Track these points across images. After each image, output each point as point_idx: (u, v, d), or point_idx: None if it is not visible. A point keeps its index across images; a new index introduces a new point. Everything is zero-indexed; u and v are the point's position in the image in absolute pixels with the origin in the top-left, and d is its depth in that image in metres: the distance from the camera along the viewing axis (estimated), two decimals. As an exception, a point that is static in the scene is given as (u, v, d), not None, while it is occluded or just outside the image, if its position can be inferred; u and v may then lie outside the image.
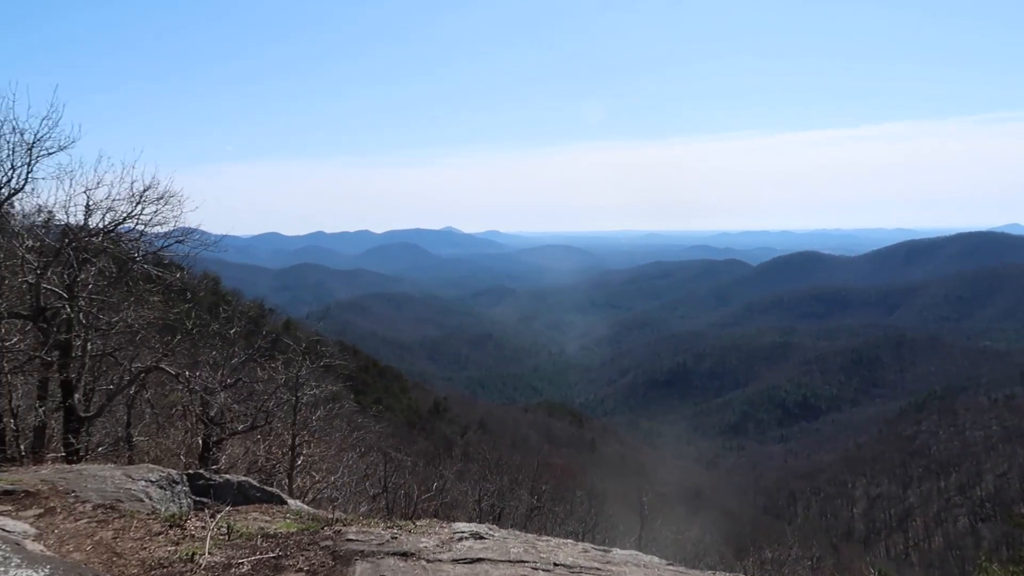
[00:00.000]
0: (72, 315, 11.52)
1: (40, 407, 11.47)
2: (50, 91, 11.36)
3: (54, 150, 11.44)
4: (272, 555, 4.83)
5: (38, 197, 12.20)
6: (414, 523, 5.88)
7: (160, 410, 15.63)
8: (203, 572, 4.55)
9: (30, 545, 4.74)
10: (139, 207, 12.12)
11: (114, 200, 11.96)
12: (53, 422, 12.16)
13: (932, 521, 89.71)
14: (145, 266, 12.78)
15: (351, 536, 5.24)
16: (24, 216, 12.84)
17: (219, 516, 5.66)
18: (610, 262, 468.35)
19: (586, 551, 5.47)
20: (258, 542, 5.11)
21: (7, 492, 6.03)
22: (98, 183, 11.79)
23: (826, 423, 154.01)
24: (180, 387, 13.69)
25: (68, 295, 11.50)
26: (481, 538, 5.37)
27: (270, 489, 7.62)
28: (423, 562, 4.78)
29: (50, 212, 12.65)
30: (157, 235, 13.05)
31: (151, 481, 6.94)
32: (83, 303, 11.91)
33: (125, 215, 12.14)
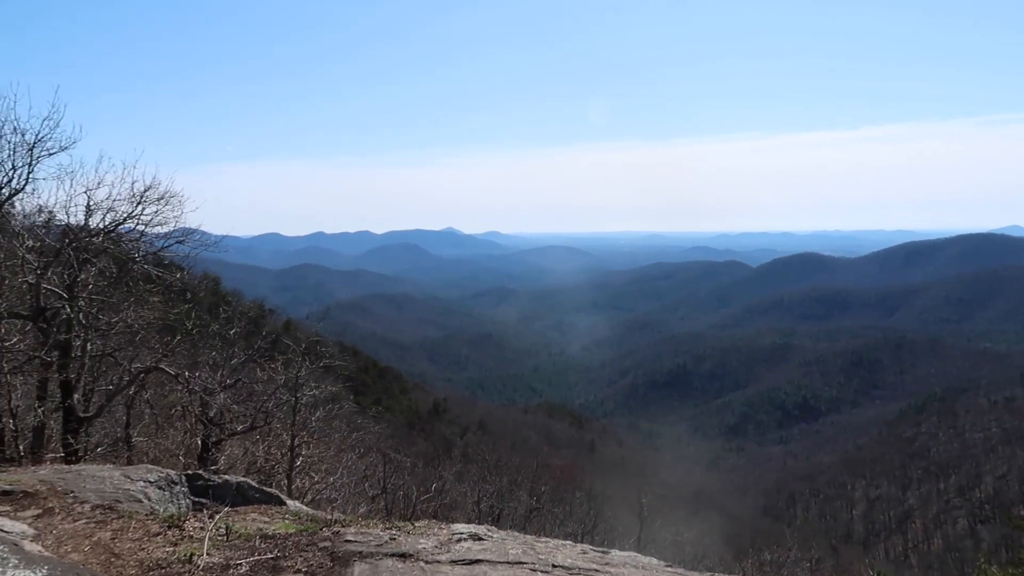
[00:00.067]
0: (72, 315, 11.52)
1: (39, 407, 11.48)
2: (51, 92, 11.38)
3: (55, 150, 11.46)
4: (270, 556, 4.83)
5: (39, 197, 12.24)
6: (413, 524, 5.88)
7: (159, 411, 15.63)
8: (201, 573, 4.55)
9: (28, 545, 4.74)
10: (139, 207, 12.14)
11: (115, 200, 11.99)
12: (52, 422, 12.16)
13: (931, 523, 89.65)
14: (145, 266, 12.79)
15: (350, 537, 5.24)
16: (25, 216, 12.85)
17: (218, 517, 5.66)
18: (611, 263, 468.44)
19: (585, 552, 5.47)
20: (256, 543, 5.11)
21: (5, 492, 6.03)
22: (99, 183, 11.81)
23: (826, 425, 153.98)
24: (179, 388, 13.69)
25: (68, 295, 11.51)
26: (480, 539, 5.37)
27: (269, 490, 7.63)
28: (421, 563, 4.78)
29: (51, 212, 12.67)
30: (157, 235, 13.08)
31: (150, 482, 6.94)
32: (83, 303, 11.91)
33: (125, 215, 12.16)
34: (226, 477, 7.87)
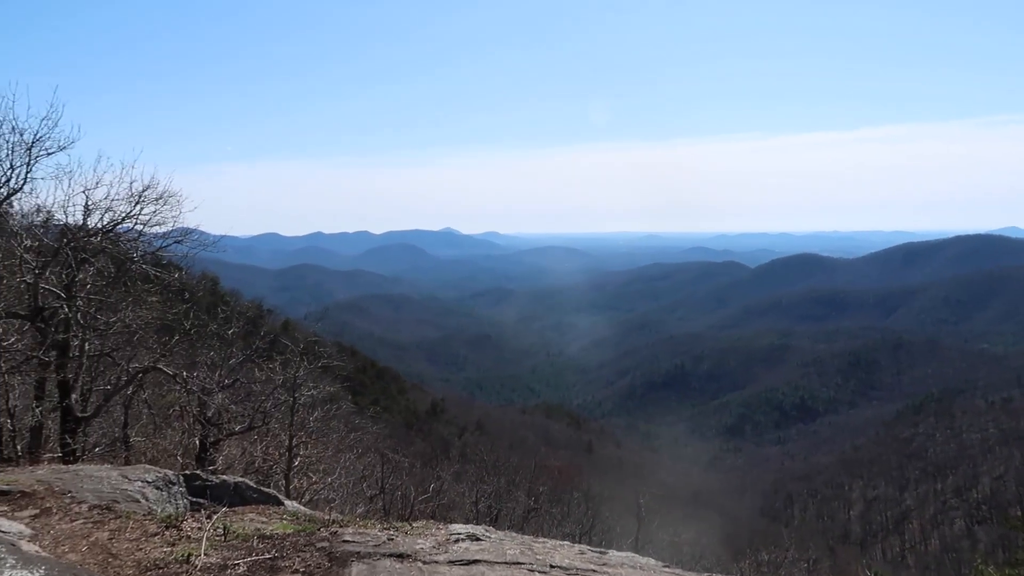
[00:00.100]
0: (70, 315, 11.52)
1: (37, 407, 11.47)
2: (50, 91, 11.39)
3: (53, 150, 11.47)
4: (268, 556, 4.83)
5: (37, 197, 12.24)
6: (411, 524, 5.88)
7: (157, 411, 15.62)
8: (199, 573, 4.55)
9: (25, 546, 4.74)
10: (138, 207, 12.14)
11: (113, 200, 11.99)
12: (50, 422, 12.16)
13: (929, 523, 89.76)
14: (143, 266, 12.78)
15: (347, 537, 5.25)
16: (23, 216, 12.84)
17: (215, 517, 5.66)
18: (609, 263, 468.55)
19: (582, 553, 5.48)
20: (254, 543, 5.11)
21: (3, 492, 6.03)
22: (97, 183, 11.82)
23: (823, 425, 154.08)
24: (177, 388, 13.69)
25: (66, 295, 11.50)
26: (477, 540, 5.38)
27: (267, 490, 7.63)
28: (419, 563, 4.78)
29: (49, 212, 12.66)
30: (156, 235, 13.09)
31: (147, 482, 6.94)
32: (81, 303, 11.91)
33: (124, 215, 12.16)
34: (224, 477, 7.87)
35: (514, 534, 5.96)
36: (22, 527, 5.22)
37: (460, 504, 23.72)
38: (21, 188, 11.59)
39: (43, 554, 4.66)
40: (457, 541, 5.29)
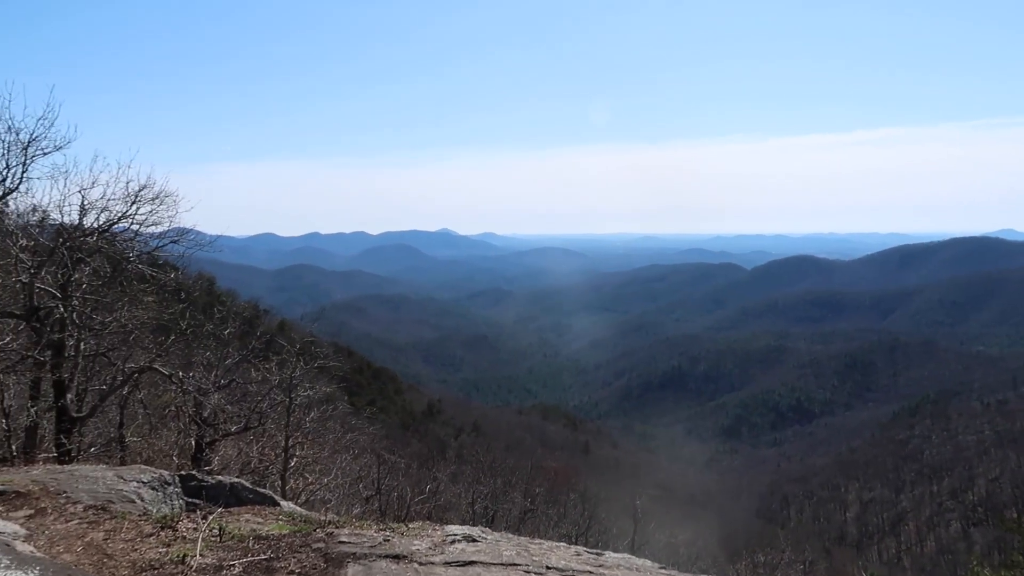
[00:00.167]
0: (65, 315, 11.49)
1: (32, 407, 11.44)
2: (46, 91, 11.38)
3: (50, 150, 11.43)
4: (264, 557, 4.83)
5: (33, 196, 12.20)
6: (407, 525, 5.88)
7: (153, 411, 15.59)
8: (194, 574, 4.54)
9: (20, 546, 4.73)
10: (134, 207, 12.11)
11: (109, 200, 11.95)
12: (45, 422, 12.13)
13: (924, 525, 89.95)
14: (140, 266, 12.74)
15: (343, 538, 5.24)
16: (19, 215, 12.80)
17: (211, 518, 5.65)
18: (606, 265, 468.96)
19: (579, 554, 5.48)
20: (250, 544, 5.10)
21: (-2, 493, 6.01)
22: (93, 183, 11.78)
23: (820, 427, 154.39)
24: (173, 388, 13.66)
25: (62, 295, 11.47)
26: (474, 541, 5.37)
27: (263, 491, 7.61)
28: (415, 565, 4.78)
29: (45, 212, 12.62)
30: (152, 235, 13.05)
31: (143, 482, 6.92)
32: (77, 303, 11.87)
33: (120, 215, 12.12)
34: (220, 478, 7.85)
35: (510, 535, 5.96)
36: (17, 527, 5.20)
37: (456, 505, 23.72)
38: (17, 188, 11.56)
39: (38, 555, 4.64)
40: (453, 542, 5.29)
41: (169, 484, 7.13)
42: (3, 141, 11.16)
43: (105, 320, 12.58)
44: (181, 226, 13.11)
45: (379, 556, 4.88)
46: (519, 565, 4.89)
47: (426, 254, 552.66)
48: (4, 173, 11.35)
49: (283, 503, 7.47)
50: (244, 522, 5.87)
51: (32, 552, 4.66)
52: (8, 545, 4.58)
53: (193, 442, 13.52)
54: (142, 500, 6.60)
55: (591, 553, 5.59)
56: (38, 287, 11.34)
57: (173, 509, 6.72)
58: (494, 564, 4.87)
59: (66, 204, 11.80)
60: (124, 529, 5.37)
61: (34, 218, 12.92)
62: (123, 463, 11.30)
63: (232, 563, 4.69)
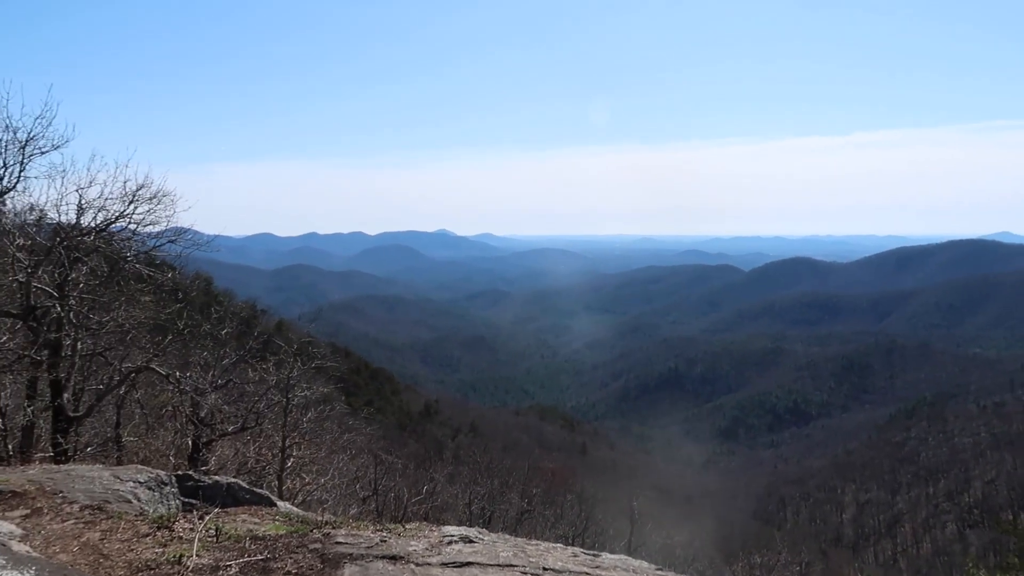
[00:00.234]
0: (62, 314, 11.47)
1: (29, 406, 11.42)
2: (44, 90, 11.37)
3: (47, 149, 11.43)
4: (260, 557, 4.82)
5: (30, 195, 12.20)
6: (403, 526, 5.87)
7: (150, 411, 15.57)
8: (190, 574, 4.53)
9: (16, 546, 4.72)
10: (131, 206, 12.11)
11: (106, 199, 11.95)
12: (42, 422, 12.11)
13: (920, 527, 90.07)
14: (137, 266, 12.73)
15: (340, 539, 5.23)
16: (16, 214, 12.78)
17: (208, 518, 5.65)
18: (603, 266, 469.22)
19: (575, 555, 5.48)
20: (246, 544, 5.09)
21: (-6, 492, 6.00)
22: (91, 182, 11.78)
23: (816, 429, 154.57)
24: (170, 388, 13.65)
25: (59, 294, 11.45)
26: (471, 542, 5.37)
27: (260, 491, 7.60)
28: (412, 565, 4.78)
29: (42, 211, 12.60)
30: (149, 235, 13.06)
31: (139, 482, 6.91)
32: (74, 302, 11.86)
33: (117, 214, 12.12)
34: (216, 478, 7.84)
35: (507, 536, 5.96)
36: (13, 527, 5.19)
37: (453, 506, 23.72)
38: (14, 187, 11.55)
39: (34, 554, 4.64)
40: (450, 543, 5.29)
41: (166, 484, 7.12)
42: (0, 140, 11.16)
43: (102, 320, 12.57)
44: (178, 226, 13.13)
45: (376, 557, 4.88)
46: (516, 566, 4.89)
47: (424, 255, 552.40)
48: (1, 172, 11.36)
49: (280, 503, 7.47)
50: (241, 522, 5.87)
51: (28, 552, 4.66)
52: (4, 545, 4.57)
53: (190, 442, 13.51)
54: (138, 500, 6.59)
55: (588, 554, 5.59)
56: (35, 286, 11.33)
57: (170, 509, 6.71)
58: (491, 565, 4.87)
59: (63, 203, 11.82)
60: (120, 529, 5.36)
61: (31, 217, 12.91)
62: (120, 463, 11.28)
63: (228, 563, 4.69)
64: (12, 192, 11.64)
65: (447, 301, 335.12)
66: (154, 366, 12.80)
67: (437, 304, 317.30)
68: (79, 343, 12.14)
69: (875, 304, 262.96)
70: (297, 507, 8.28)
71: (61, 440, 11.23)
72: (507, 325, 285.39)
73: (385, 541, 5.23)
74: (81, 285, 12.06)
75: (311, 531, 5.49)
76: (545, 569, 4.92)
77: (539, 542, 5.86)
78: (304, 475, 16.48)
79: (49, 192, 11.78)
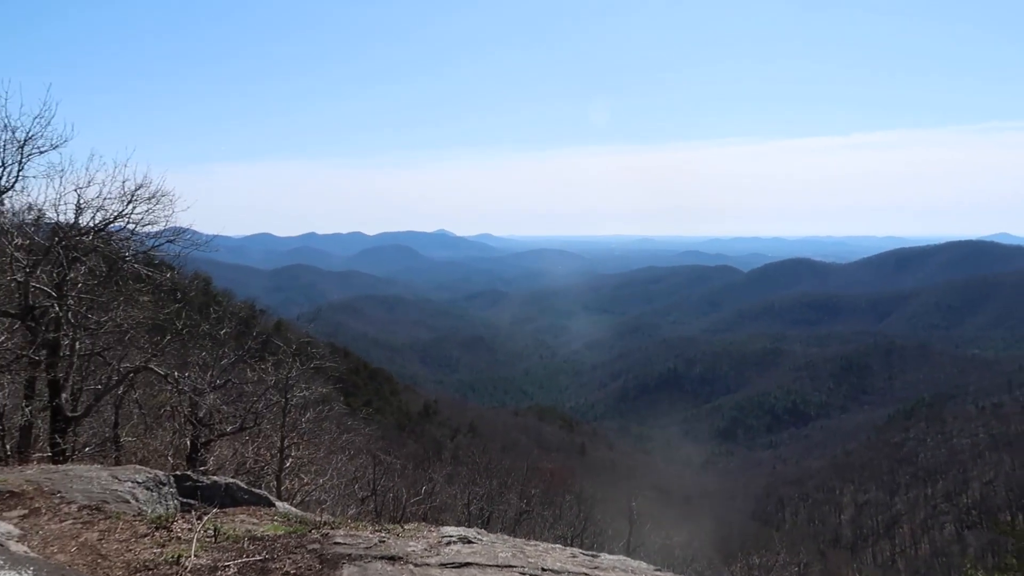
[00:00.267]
0: (61, 314, 11.45)
1: (27, 406, 11.40)
2: (43, 90, 11.35)
3: (46, 148, 11.41)
4: (259, 558, 4.81)
5: (28, 195, 12.17)
6: (402, 527, 5.87)
7: (148, 411, 15.55)
8: (188, 574, 4.53)
9: (14, 546, 4.71)
10: (130, 206, 12.09)
11: (105, 199, 11.94)
12: (40, 422, 12.09)
13: (919, 528, 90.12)
14: (135, 265, 12.72)
15: (339, 539, 5.23)
16: (14, 214, 12.76)
17: (206, 518, 5.64)
18: (602, 267, 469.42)
19: (574, 556, 5.48)
20: (245, 545, 5.09)
21: (-8, 492, 5.99)
22: (89, 182, 11.76)
23: (815, 429, 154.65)
24: (169, 388, 13.63)
25: (57, 294, 11.44)
26: (469, 542, 5.36)
27: (258, 491, 7.59)
28: (410, 566, 4.77)
29: (40, 210, 12.59)
30: (148, 234, 13.04)
31: (138, 482, 6.90)
32: (72, 302, 11.84)
33: (116, 214, 12.10)
34: (215, 478, 7.83)
35: (506, 537, 5.95)
36: (10, 527, 5.18)
37: (452, 506, 23.71)
38: (12, 186, 11.52)
39: (32, 555, 4.63)
40: (449, 544, 5.28)
41: (164, 484, 7.11)
42: (-1, 139, 11.14)
43: (100, 319, 12.56)
44: (177, 226, 13.12)
45: (375, 557, 4.87)
46: (515, 567, 4.88)
47: (423, 255, 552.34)
48: (0, 171, 11.33)
49: (278, 504, 7.46)
50: (239, 523, 5.86)
51: (26, 552, 4.65)
52: (2, 545, 4.57)
53: (188, 442, 13.49)
54: (137, 500, 6.58)
55: (587, 555, 5.59)
56: (33, 286, 11.31)
57: (168, 509, 6.70)
58: (490, 566, 4.87)
59: (62, 203, 11.80)
60: (119, 529, 5.35)
61: (30, 217, 12.89)
62: (118, 463, 11.26)
63: (227, 564, 4.68)
64: (10, 191, 11.62)
65: (446, 301, 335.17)
66: (152, 366, 12.78)
67: (436, 304, 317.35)
68: (77, 343, 12.12)
69: (874, 305, 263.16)
70: (295, 507, 8.27)
71: (59, 440, 11.21)
72: (506, 325, 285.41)
73: (384, 542, 5.22)
74: (79, 285, 12.04)
75: (309, 531, 5.49)
76: (544, 570, 4.92)
77: (538, 543, 5.86)
78: (303, 475, 16.46)
79: (47, 192, 11.78)
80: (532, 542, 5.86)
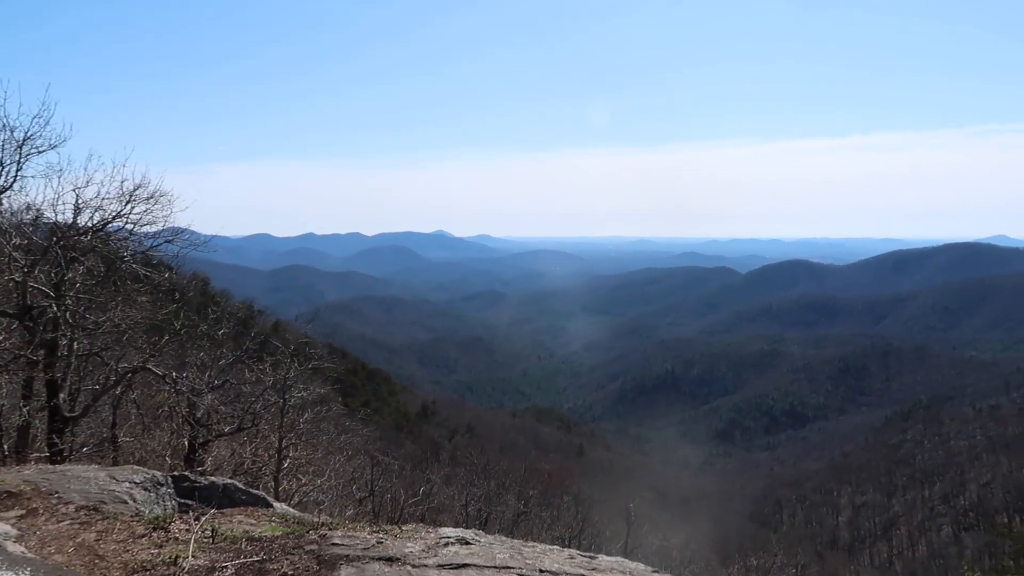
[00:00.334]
0: (59, 314, 11.44)
1: (24, 406, 11.38)
2: (42, 89, 11.34)
3: (44, 148, 11.39)
4: (256, 559, 4.81)
5: (27, 195, 12.15)
6: (400, 528, 5.87)
7: (146, 411, 15.53)
8: (186, 575, 4.52)
9: (11, 546, 4.71)
10: (128, 206, 12.07)
11: (103, 199, 11.92)
12: (37, 422, 12.07)
13: (916, 530, 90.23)
14: (133, 266, 12.70)
15: (336, 540, 5.23)
16: (12, 214, 12.74)
17: (204, 519, 5.64)
18: (600, 268, 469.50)
19: (572, 557, 5.48)
20: (242, 545, 5.09)
21: (-11, 492, 5.98)
22: (87, 182, 11.75)
23: (813, 431, 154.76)
24: (167, 388, 13.61)
25: (55, 294, 11.43)
26: (467, 543, 5.37)
27: (256, 492, 7.60)
28: (408, 567, 4.77)
29: (38, 210, 12.57)
30: (146, 235, 13.02)
31: (135, 483, 6.90)
32: (70, 302, 11.82)
33: (114, 214, 12.09)
34: (213, 479, 7.83)
35: (504, 538, 5.96)
36: (8, 528, 5.18)
37: (450, 507, 23.70)
38: (11, 186, 11.51)
39: (29, 555, 4.62)
40: (447, 545, 5.29)
41: (162, 485, 7.11)
42: (-3, 139, 11.13)
43: (99, 320, 12.54)
44: (175, 226, 13.11)
45: (372, 558, 4.87)
46: (512, 568, 4.89)
47: (421, 256, 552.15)
48: (-2, 171, 11.32)
49: (276, 505, 7.46)
50: (237, 523, 5.86)
51: (23, 553, 4.64)
52: (-1, 545, 4.56)
53: (186, 443, 13.48)
54: (134, 501, 6.58)
55: (584, 556, 5.60)
56: (31, 286, 11.30)
57: (166, 510, 6.70)
58: (487, 567, 4.87)
59: (60, 203, 11.79)
60: (116, 530, 5.35)
61: (28, 216, 12.88)
62: (116, 463, 11.25)
63: (224, 565, 4.68)
64: (8, 191, 11.60)
65: (444, 302, 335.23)
66: (150, 366, 12.77)
67: (434, 305, 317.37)
68: (75, 343, 12.10)
69: (872, 307, 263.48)
70: (293, 508, 8.27)
71: (57, 440, 11.20)
72: (504, 326, 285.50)
73: (381, 542, 5.23)
74: (78, 285, 12.03)
75: (307, 532, 5.49)
76: (541, 571, 4.92)
77: (535, 544, 5.86)
78: (300, 476, 16.45)
79: (46, 191, 11.76)
80: (530, 543, 5.87)
